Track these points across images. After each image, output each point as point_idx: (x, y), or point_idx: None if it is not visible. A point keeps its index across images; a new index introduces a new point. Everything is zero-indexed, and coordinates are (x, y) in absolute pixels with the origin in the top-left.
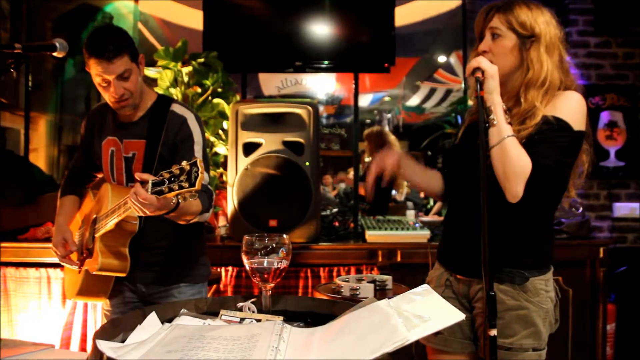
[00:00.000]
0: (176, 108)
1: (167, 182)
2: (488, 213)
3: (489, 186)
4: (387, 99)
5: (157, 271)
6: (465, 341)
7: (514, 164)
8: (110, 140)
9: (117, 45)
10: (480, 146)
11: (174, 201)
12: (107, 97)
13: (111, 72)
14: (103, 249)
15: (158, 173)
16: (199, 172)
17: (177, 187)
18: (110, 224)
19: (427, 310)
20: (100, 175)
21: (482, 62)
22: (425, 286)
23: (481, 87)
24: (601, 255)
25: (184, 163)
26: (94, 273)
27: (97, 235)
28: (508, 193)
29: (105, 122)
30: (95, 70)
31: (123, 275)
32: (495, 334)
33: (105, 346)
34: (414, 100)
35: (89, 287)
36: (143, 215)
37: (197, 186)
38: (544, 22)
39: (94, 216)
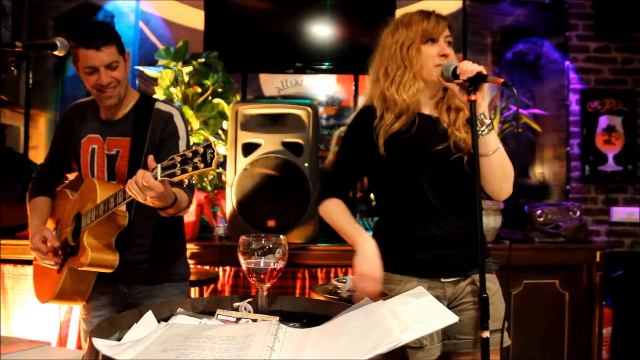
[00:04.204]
0: (161, 106)
1: (179, 165)
2: (480, 214)
3: (457, 186)
4: None
5: (141, 270)
6: (440, 344)
7: (510, 165)
8: (91, 137)
9: (105, 35)
10: (473, 149)
11: (186, 182)
12: (94, 86)
13: (100, 61)
14: (92, 243)
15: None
16: (214, 153)
17: (191, 169)
18: (102, 216)
19: (422, 312)
20: (71, 177)
21: (483, 68)
22: (419, 288)
23: (474, 91)
24: (598, 259)
25: (194, 147)
26: (81, 269)
27: (86, 229)
28: (505, 193)
29: (86, 120)
30: (83, 60)
31: (110, 271)
32: (489, 336)
33: (101, 344)
34: None
35: (69, 289)
36: (142, 200)
37: (214, 166)
38: None
39: (76, 212)
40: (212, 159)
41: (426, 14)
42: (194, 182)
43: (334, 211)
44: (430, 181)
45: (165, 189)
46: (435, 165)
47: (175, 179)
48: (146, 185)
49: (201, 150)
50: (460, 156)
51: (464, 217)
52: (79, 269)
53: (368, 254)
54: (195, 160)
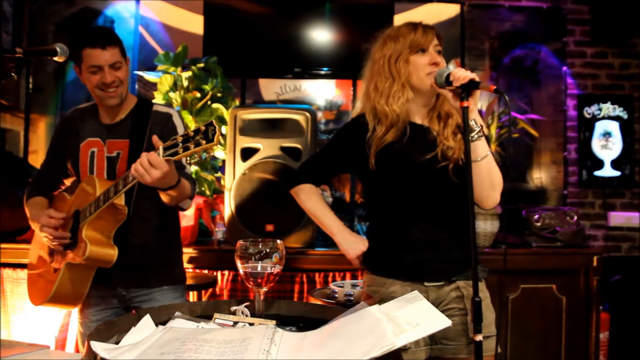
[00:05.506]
0: (159, 108)
1: (180, 144)
2: (472, 222)
3: (449, 192)
4: None
5: (139, 273)
6: (426, 347)
7: (498, 174)
8: (91, 141)
9: (109, 36)
10: (466, 156)
11: (189, 161)
12: (97, 85)
13: (105, 60)
14: (90, 236)
15: None
16: (216, 130)
17: (193, 146)
18: (102, 207)
19: (416, 316)
20: (68, 182)
21: (475, 75)
22: (414, 292)
23: (467, 98)
24: (595, 264)
25: (197, 125)
26: (80, 262)
27: (85, 222)
28: (492, 201)
29: (85, 125)
30: (88, 60)
31: (108, 266)
32: (482, 339)
33: (99, 347)
34: None
35: (66, 289)
36: (148, 180)
37: (215, 141)
38: None
39: (75, 210)
40: (213, 135)
41: (413, 26)
42: (198, 159)
43: (311, 198)
44: (416, 189)
45: (170, 168)
46: (421, 174)
47: (178, 157)
48: (151, 164)
49: (203, 128)
50: (446, 164)
51: (450, 223)
52: (78, 262)
53: (345, 242)
54: (198, 137)
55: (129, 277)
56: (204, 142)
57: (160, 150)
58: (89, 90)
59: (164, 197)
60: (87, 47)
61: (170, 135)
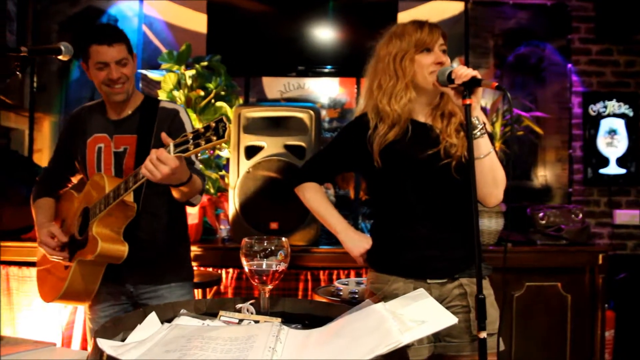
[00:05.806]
0: (166, 104)
1: (191, 141)
2: (476, 219)
3: (452, 191)
4: None
5: (148, 269)
6: (430, 345)
7: (501, 171)
8: (97, 137)
9: (116, 33)
10: (469, 153)
11: (198, 157)
12: (104, 81)
13: (111, 57)
14: (101, 233)
15: None
16: (227, 126)
17: (204, 143)
18: (112, 204)
19: (422, 314)
20: (75, 180)
21: (477, 73)
22: (420, 290)
23: (469, 95)
24: (600, 261)
25: (206, 122)
26: (91, 259)
27: (95, 220)
28: (494, 198)
29: (91, 122)
30: (95, 56)
31: (119, 262)
32: (486, 336)
33: (105, 344)
34: None
35: (77, 286)
36: (157, 176)
37: (226, 137)
38: None
39: (83, 207)
40: (224, 131)
41: (419, 24)
42: (208, 154)
43: (315, 196)
44: (420, 187)
45: (180, 164)
46: (424, 171)
47: (189, 154)
48: (160, 160)
49: (213, 124)
50: (449, 162)
51: (453, 221)
52: (89, 259)
53: (349, 241)
54: (208, 134)
55: (137, 273)
56: (214, 138)
57: (171, 147)
58: (95, 86)
59: (175, 193)
60: (94, 44)
61: (178, 131)
